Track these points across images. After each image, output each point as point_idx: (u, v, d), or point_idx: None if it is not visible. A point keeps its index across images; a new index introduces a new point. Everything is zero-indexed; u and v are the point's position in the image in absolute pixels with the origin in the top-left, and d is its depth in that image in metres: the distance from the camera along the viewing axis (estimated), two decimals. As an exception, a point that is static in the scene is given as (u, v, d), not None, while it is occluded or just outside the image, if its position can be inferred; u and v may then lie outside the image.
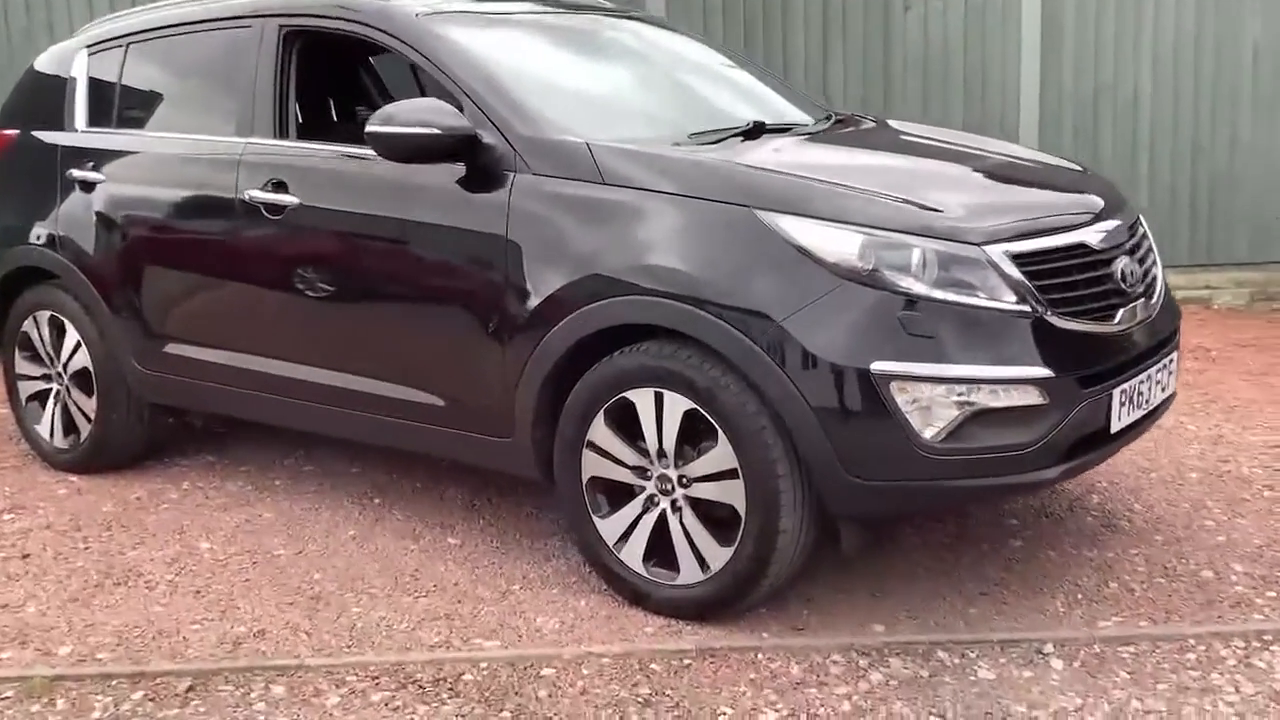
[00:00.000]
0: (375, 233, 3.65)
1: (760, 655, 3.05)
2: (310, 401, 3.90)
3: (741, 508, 3.07)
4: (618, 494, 3.31)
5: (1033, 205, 3.40)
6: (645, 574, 3.27)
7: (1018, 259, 3.03)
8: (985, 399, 2.93)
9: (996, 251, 3.01)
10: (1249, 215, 7.19)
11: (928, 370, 2.92)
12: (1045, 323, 3.02)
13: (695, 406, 3.08)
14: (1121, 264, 3.27)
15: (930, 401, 2.91)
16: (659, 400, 3.14)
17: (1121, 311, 3.23)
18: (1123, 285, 3.25)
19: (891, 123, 4.35)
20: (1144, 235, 3.57)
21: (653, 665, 3.03)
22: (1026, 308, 3.00)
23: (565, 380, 3.32)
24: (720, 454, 3.07)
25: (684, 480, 3.16)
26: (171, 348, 4.23)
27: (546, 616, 3.29)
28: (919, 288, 2.94)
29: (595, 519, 3.33)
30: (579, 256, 3.25)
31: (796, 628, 3.20)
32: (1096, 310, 3.16)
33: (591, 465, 3.30)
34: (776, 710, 2.80)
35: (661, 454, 3.18)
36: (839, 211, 3.03)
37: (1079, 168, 3.96)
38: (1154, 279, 3.49)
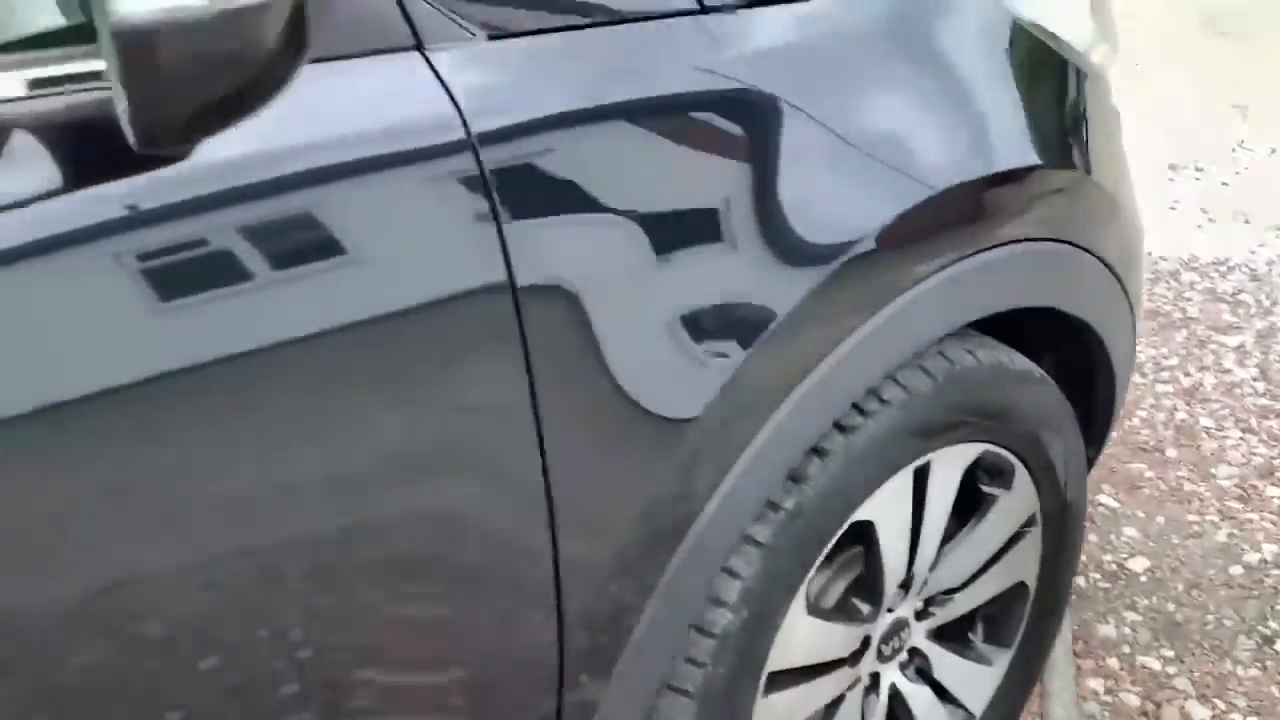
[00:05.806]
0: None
1: None
2: None
3: (1030, 575, 1.57)
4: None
5: None
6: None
7: None
8: None
9: None
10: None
11: None
12: None
13: (988, 446, 1.40)
14: None
15: None
16: (921, 482, 1.34)
17: None
18: None
19: None
20: None
21: None
22: None
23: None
24: (1013, 504, 1.48)
25: (928, 610, 1.46)
26: None
27: None
28: None
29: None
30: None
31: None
32: None
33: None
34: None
35: (908, 584, 1.40)
36: None
37: None
38: None
